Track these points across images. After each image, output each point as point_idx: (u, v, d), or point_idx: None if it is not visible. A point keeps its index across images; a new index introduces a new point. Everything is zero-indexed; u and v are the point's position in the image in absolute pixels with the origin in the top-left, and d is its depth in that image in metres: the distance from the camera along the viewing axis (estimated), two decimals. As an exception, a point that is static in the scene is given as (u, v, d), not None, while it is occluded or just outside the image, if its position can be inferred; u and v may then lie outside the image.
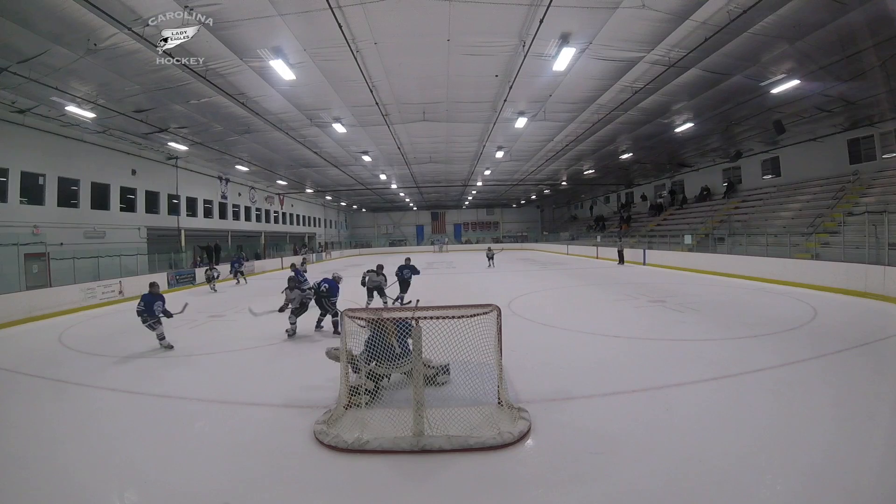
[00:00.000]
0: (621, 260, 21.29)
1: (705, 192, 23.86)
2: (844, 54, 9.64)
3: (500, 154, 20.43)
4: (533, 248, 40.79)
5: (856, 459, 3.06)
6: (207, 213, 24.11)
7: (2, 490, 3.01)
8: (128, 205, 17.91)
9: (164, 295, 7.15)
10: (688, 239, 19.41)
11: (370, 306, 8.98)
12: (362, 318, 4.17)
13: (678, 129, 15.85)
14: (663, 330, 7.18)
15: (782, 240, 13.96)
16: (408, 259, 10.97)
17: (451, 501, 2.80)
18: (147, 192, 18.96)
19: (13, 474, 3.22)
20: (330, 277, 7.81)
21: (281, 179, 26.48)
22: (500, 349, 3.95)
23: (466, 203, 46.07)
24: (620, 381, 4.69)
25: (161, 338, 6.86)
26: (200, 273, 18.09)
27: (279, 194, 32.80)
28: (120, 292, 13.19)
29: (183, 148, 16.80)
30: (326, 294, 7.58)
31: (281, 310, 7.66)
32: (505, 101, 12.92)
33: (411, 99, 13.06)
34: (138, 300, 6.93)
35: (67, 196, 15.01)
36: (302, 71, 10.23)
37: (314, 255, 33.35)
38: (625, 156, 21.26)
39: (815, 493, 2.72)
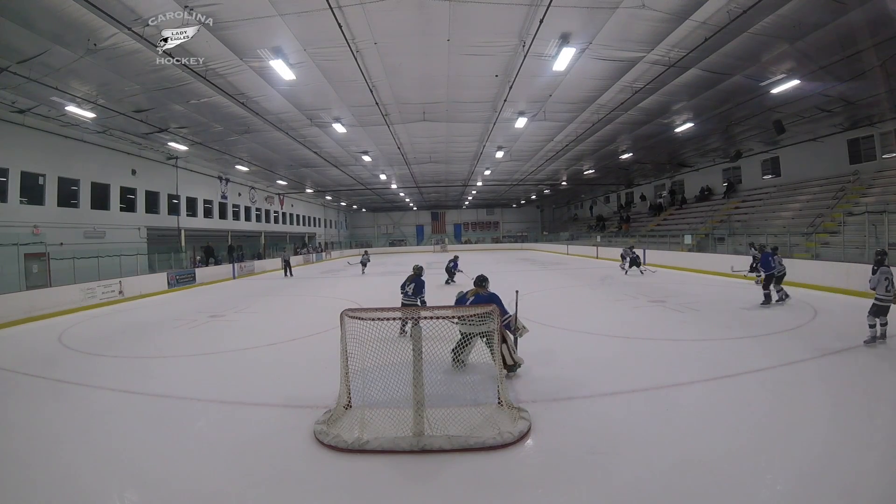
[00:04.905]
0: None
1: (705, 192, 23.86)
2: (844, 54, 9.64)
3: (500, 154, 20.43)
4: (533, 248, 40.74)
5: (855, 460, 3.06)
6: (207, 213, 24.12)
7: (2, 490, 3.01)
8: (128, 205, 17.92)
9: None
10: (688, 239, 19.41)
11: None
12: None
13: (678, 129, 15.84)
14: (663, 330, 7.17)
15: (782, 240, 13.96)
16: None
17: (451, 501, 2.80)
18: (147, 192, 18.97)
19: (13, 474, 3.21)
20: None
21: (281, 179, 26.48)
22: (501, 349, 3.95)
23: (466, 203, 46.05)
24: (620, 381, 4.68)
25: None
26: (201, 273, 18.12)
27: (279, 194, 32.78)
28: (120, 292, 13.19)
29: (183, 148, 16.80)
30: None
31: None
32: (505, 101, 12.91)
33: (411, 99, 13.06)
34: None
35: (67, 196, 15.02)
36: (302, 71, 10.23)
37: (314, 254, 33.33)
38: (625, 156, 21.26)
39: (814, 493, 2.72)
